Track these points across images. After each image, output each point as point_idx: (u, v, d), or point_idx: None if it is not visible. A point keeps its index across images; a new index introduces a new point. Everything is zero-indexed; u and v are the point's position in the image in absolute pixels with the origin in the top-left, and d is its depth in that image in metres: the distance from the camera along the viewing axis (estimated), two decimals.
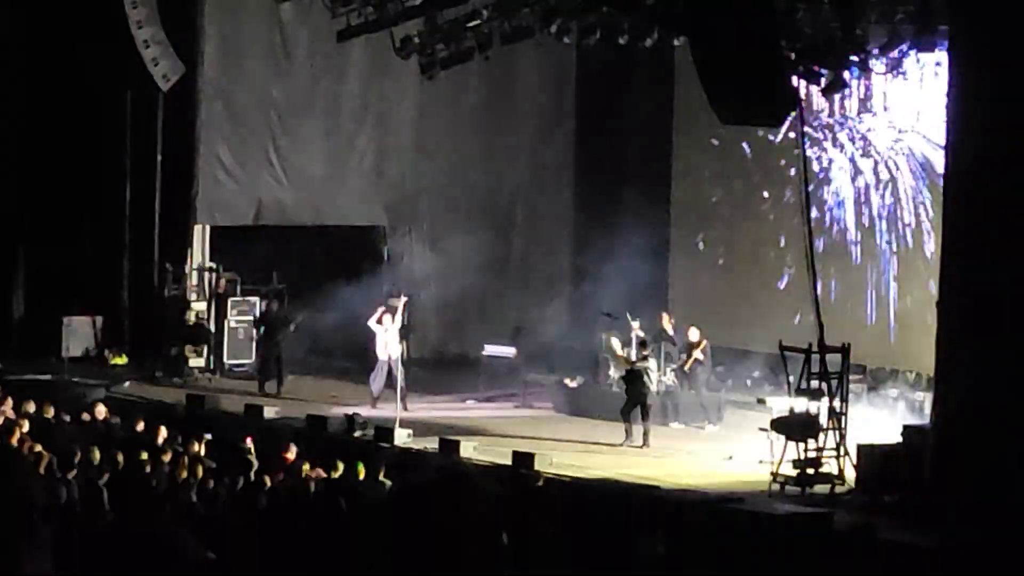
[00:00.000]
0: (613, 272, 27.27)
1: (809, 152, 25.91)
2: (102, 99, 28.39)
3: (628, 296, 26.48)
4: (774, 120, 24.80)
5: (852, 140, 26.69)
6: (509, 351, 27.44)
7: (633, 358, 23.92)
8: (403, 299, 25.76)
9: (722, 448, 22.55)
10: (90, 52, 27.71)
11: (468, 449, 21.45)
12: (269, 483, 17.41)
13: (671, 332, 25.52)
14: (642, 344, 24.49)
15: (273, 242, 28.65)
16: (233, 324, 27.94)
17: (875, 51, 23.32)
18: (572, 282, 29.62)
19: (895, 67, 23.81)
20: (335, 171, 29.05)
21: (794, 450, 19.75)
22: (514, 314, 28.98)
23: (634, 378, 23.46)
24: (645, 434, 23.02)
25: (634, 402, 23.23)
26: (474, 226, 28.97)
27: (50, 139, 28.70)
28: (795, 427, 19.88)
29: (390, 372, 24.82)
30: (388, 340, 25.11)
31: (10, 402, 21.54)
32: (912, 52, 23.09)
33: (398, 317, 25.35)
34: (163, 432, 20.09)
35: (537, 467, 19.95)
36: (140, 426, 21.03)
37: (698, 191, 29.37)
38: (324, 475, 18.26)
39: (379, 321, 25.22)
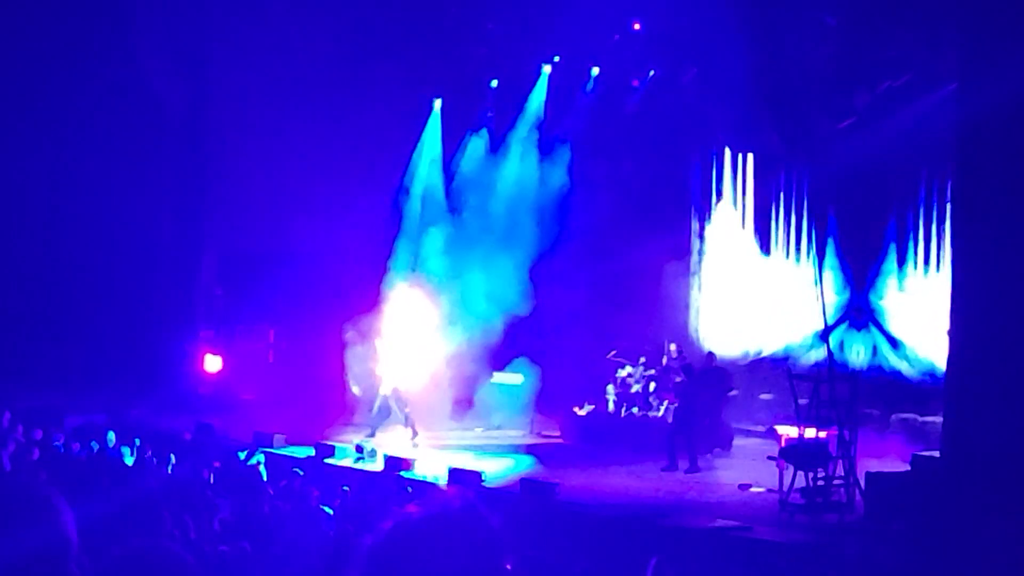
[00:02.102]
0: (626, 299, 27.33)
1: None
2: (110, 123, 28.52)
3: (641, 324, 26.60)
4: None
5: None
6: (516, 378, 27.48)
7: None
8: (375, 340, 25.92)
9: (732, 475, 22.57)
10: (100, 75, 27.85)
11: (476, 477, 21.45)
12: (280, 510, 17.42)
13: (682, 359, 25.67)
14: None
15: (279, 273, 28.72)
16: None
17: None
18: (583, 309, 29.61)
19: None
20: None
21: (803, 478, 19.71)
22: (524, 342, 28.97)
23: None
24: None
25: None
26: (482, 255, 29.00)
27: (57, 156, 28.79)
28: (804, 455, 19.84)
29: (385, 407, 25.32)
30: (378, 378, 25.61)
31: (20, 429, 21.60)
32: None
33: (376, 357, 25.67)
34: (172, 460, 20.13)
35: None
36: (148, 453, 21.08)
37: None
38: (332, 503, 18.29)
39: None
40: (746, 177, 28.40)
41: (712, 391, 24.49)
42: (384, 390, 25.30)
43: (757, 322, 28.00)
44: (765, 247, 28.13)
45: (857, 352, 26.16)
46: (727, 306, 28.67)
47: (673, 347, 26.41)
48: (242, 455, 21.83)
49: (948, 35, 21.11)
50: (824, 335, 21.25)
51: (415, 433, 24.86)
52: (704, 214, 29.03)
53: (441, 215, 29.80)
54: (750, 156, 28.28)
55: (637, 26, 27.60)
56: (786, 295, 27.59)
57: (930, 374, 24.66)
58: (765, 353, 27.53)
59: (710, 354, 25.83)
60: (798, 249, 27.54)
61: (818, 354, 25.12)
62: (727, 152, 28.44)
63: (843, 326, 26.34)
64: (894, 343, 26.05)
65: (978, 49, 18.58)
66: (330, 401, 27.07)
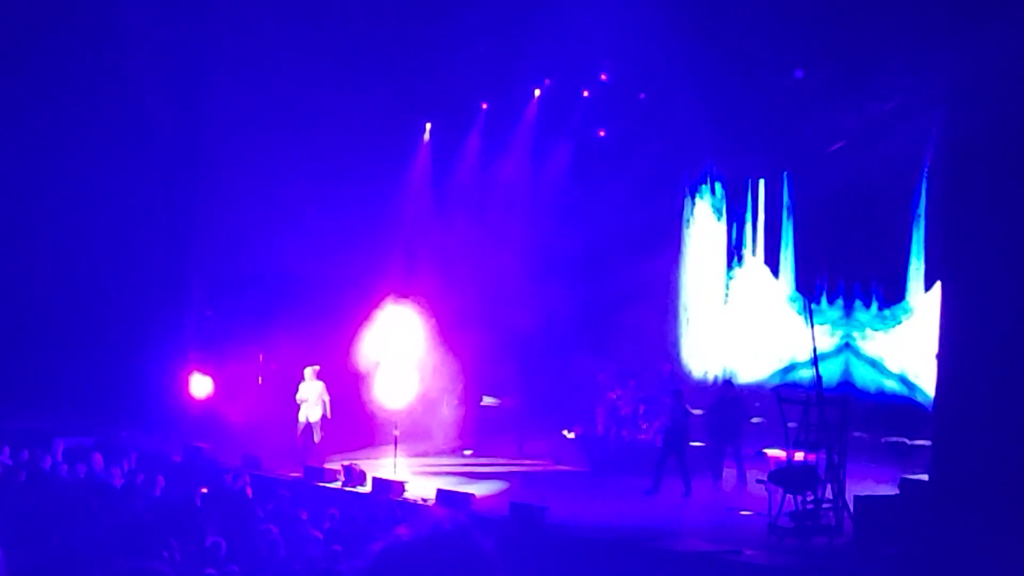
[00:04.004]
0: (617, 322, 27.33)
1: None
2: (100, 145, 28.52)
3: (630, 345, 26.57)
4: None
5: None
6: (497, 401, 27.63)
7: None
8: (315, 368, 25.75)
9: (721, 498, 22.59)
10: (90, 98, 27.88)
11: (466, 500, 21.44)
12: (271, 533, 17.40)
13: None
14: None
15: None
16: None
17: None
18: (573, 331, 29.62)
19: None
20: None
21: (792, 502, 19.70)
22: (515, 364, 28.98)
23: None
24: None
25: None
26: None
27: (45, 178, 28.77)
28: (793, 479, 19.83)
29: (310, 433, 25.27)
30: (307, 407, 25.45)
31: (7, 451, 21.55)
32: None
33: (312, 385, 25.50)
34: (161, 483, 20.10)
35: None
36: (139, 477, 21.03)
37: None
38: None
39: (297, 391, 25.68)
40: (755, 203, 28.41)
41: (732, 419, 24.39)
42: (313, 417, 25.27)
43: (746, 345, 28.02)
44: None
45: (846, 375, 26.19)
46: (713, 328, 28.69)
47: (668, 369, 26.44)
48: (230, 477, 21.77)
49: (937, 59, 21.20)
50: (813, 359, 21.24)
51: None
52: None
53: (431, 237, 29.84)
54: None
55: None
56: (776, 318, 27.61)
57: (919, 398, 24.70)
58: (752, 376, 27.52)
59: (728, 381, 25.80)
60: (793, 274, 27.55)
61: (807, 377, 25.15)
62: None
63: (832, 349, 26.38)
64: (883, 367, 26.08)
65: (967, 73, 18.65)
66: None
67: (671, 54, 25.47)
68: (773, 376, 27.22)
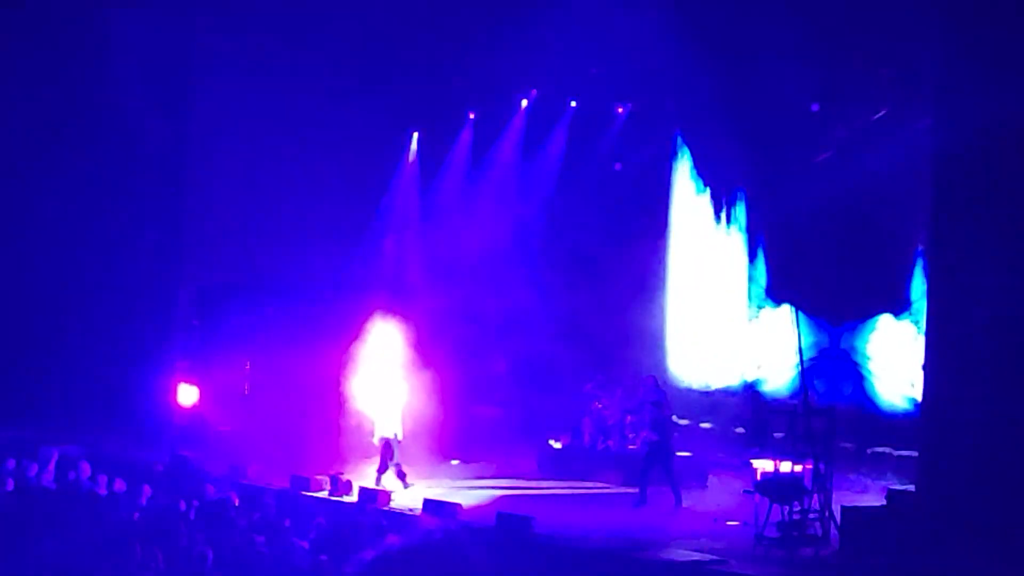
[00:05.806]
0: (602, 332, 27.32)
1: None
2: (87, 156, 28.51)
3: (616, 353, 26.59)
4: None
5: None
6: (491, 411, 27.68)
7: None
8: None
9: (708, 509, 22.59)
10: (77, 110, 27.86)
11: (452, 509, 21.39)
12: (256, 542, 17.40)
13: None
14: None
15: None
16: None
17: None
18: (559, 341, 29.59)
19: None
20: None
21: (779, 512, 19.70)
22: (500, 374, 28.95)
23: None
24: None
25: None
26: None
27: (33, 190, 28.75)
28: (780, 489, 19.84)
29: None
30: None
31: None
32: None
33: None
34: (147, 491, 20.07)
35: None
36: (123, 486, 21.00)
37: None
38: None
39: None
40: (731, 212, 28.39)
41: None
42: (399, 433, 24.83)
43: (732, 355, 28.00)
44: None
45: (832, 386, 26.19)
46: (702, 338, 28.66)
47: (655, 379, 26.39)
48: (212, 488, 21.72)
49: (923, 70, 21.24)
50: (800, 369, 21.25)
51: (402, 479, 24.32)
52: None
53: (418, 246, 29.83)
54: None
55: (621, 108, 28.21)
56: (762, 328, 27.59)
57: (905, 408, 24.71)
58: (737, 385, 27.50)
59: (754, 391, 25.81)
60: (776, 282, 27.54)
61: (794, 388, 25.15)
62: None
63: (819, 360, 26.39)
64: (870, 377, 26.10)
65: (952, 84, 18.70)
66: (306, 433, 26.97)
67: (660, 62, 25.53)
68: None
